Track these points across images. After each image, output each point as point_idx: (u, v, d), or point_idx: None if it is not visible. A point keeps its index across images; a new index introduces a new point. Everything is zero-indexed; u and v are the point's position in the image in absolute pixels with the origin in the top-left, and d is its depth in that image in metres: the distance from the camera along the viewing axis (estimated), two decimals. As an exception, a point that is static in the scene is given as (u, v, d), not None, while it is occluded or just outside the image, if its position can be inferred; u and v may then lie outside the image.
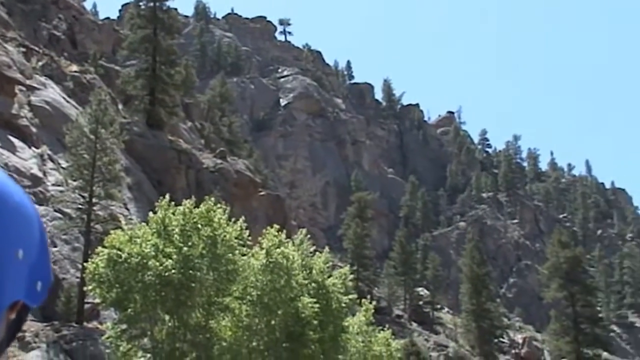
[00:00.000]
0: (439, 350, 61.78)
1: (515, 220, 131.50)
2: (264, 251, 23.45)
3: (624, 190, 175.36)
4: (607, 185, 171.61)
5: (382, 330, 28.22)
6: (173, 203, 23.43)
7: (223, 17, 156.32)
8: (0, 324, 1.19)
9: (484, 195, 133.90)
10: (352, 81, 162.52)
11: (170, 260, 21.42)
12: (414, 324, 67.64)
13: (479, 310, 65.85)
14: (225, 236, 22.82)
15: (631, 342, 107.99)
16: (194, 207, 23.14)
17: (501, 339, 69.72)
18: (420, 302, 74.65)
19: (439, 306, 79.41)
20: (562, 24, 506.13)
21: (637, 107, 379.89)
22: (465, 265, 70.96)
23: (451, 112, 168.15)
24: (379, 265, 79.02)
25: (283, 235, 24.31)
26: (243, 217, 24.69)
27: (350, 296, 26.94)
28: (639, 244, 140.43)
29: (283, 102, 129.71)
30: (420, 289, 77.65)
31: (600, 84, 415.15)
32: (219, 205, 23.74)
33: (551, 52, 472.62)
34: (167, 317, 22.48)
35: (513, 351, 70.35)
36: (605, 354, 65.10)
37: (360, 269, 67.95)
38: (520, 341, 73.20)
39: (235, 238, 23.40)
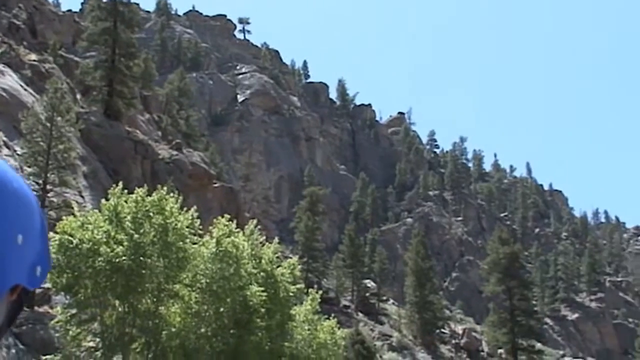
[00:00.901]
0: (383, 339, 62.02)
1: (460, 218, 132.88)
2: (214, 240, 23.14)
3: (560, 192, 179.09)
4: (546, 187, 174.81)
5: (328, 319, 28.06)
6: (126, 191, 22.97)
7: (184, 14, 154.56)
8: (1, 307, 1.19)
9: (431, 193, 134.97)
10: (308, 80, 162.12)
11: (121, 247, 20.98)
12: (360, 314, 67.79)
13: (422, 302, 66.36)
14: (176, 224, 22.43)
15: (562, 334, 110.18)
16: (147, 196, 22.72)
17: (442, 330, 70.38)
18: (367, 294, 74.80)
19: (384, 298, 79.78)
20: (507, 30, 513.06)
21: (575, 113, 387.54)
22: (411, 259, 71.41)
23: (402, 113, 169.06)
24: (328, 257, 78.97)
25: (233, 225, 24.01)
26: (195, 207, 24.35)
27: (298, 286, 26.75)
28: (573, 242, 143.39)
29: (240, 98, 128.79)
30: (367, 281, 77.84)
31: (544, 91, 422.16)
32: (171, 195, 23.36)
33: (497, 58, 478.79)
34: (117, 303, 22.03)
35: (453, 341, 70.95)
36: (538, 345, 66.28)
37: (310, 261, 67.98)
38: (461, 332, 73.86)
39: (187, 227, 23.04)
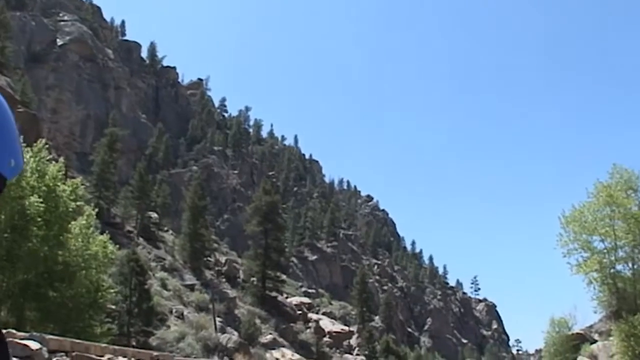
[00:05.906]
0: (157, 261, 60.20)
1: (236, 172, 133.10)
2: (-3, 151, 20.26)
3: (317, 161, 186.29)
4: (307, 156, 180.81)
5: (102, 234, 26.11)
6: None
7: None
8: None
9: (216, 148, 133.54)
10: (124, 38, 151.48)
11: None
12: (141, 239, 65.16)
13: (194, 233, 65.27)
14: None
15: (303, 271, 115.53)
16: None
17: (209, 258, 69.84)
18: (150, 224, 72.09)
19: (165, 228, 77.62)
20: (296, 17, 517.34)
21: (341, 99, 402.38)
22: (189, 197, 69.88)
23: (201, 79, 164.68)
24: (120, 189, 74.81)
25: (20, 140, 21.21)
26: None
27: (79, 203, 24.54)
28: (320, 201, 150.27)
29: (59, 42, 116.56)
30: (152, 212, 75.05)
31: (321, 78, 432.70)
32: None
33: (289, 43, 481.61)
34: None
35: (217, 268, 70.82)
36: (283, 276, 68.47)
37: (103, 189, 63.94)
38: (224, 261, 74.01)
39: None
